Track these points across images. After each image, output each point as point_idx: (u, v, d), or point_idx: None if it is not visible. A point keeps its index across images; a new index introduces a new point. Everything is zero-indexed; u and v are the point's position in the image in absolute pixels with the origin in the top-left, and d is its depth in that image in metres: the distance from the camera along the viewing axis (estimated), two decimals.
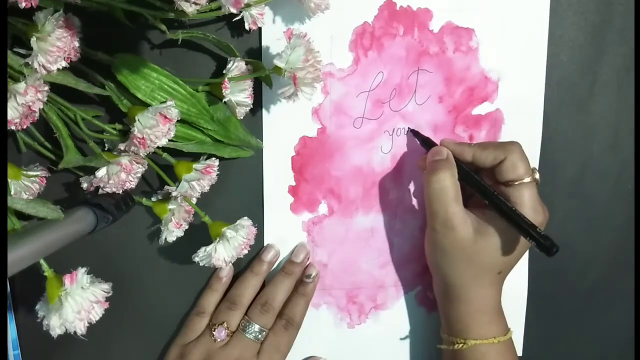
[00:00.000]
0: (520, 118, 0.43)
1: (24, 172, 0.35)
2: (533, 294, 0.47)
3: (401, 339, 0.46)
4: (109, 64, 0.35)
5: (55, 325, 0.30)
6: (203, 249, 0.36)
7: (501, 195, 0.37)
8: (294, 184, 0.42)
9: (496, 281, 0.40)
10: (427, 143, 0.41)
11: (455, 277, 0.39)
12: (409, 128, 0.42)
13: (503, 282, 0.40)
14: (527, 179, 0.37)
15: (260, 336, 0.40)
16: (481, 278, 0.39)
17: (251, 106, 0.38)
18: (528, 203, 0.37)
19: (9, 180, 0.34)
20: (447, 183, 0.38)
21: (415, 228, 0.44)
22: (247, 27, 0.35)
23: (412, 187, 0.44)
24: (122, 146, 0.33)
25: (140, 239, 0.42)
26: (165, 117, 0.32)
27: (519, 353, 0.47)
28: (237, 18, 0.34)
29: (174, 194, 0.36)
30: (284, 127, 0.41)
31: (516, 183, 0.37)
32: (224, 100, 0.36)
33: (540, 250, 0.35)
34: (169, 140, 0.34)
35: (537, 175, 0.38)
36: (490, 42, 0.42)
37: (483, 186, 0.38)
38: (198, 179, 0.36)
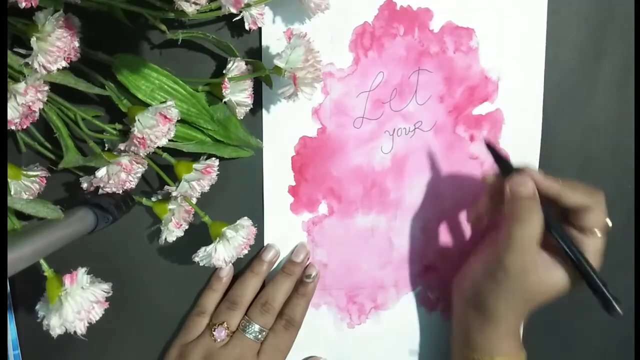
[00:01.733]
0: (520, 118, 0.43)
1: (24, 172, 0.35)
2: None
3: (401, 339, 0.46)
4: (109, 64, 0.35)
5: (55, 325, 0.30)
6: (203, 249, 0.36)
7: (571, 238, 0.36)
8: (294, 184, 0.42)
9: (531, 310, 0.39)
10: (504, 164, 0.38)
11: (499, 305, 0.37)
12: (484, 139, 0.39)
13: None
14: (603, 232, 0.36)
15: (260, 336, 0.40)
16: (524, 308, 0.38)
17: (251, 106, 0.38)
18: (596, 257, 0.36)
19: (9, 180, 0.34)
20: (538, 230, 0.35)
21: (416, 228, 0.44)
22: (247, 27, 0.35)
23: (412, 187, 0.44)
24: (122, 146, 0.33)
25: (140, 239, 0.42)
26: (165, 117, 0.32)
27: None
28: (237, 18, 0.34)
29: (174, 194, 0.36)
30: (284, 127, 0.41)
31: (591, 234, 0.36)
32: (224, 100, 0.36)
33: (606, 310, 0.35)
34: (169, 140, 0.34)
35: (609, 226, 0.37)
36: (490, 42, 0.42)
37: (563, 235, 0.36)
38: (198, 179, 0.36)
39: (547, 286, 0.37)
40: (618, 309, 0.34)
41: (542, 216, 0.36)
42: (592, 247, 0.36)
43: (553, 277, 0.37)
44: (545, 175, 0.37)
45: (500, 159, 0.38)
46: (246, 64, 0.37)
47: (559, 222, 0.37)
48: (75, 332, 0.30)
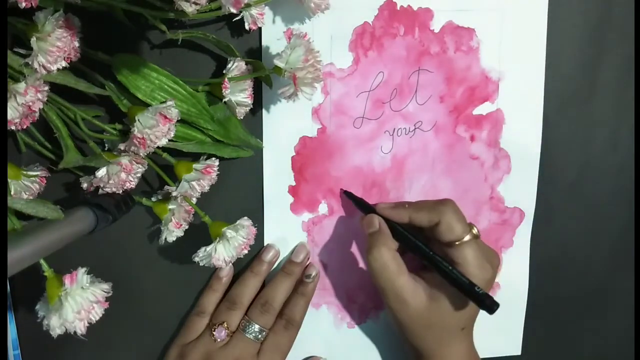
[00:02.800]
0: (520, 118, 0.43)
1: (24, 172, 0.35)
2: (533, 294, 0.47)
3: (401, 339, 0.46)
4: (109, 64, 0.35)
5: (55, 325, 0.30)
6: (203, 249, 0.36)
7: (445, 256, 0.37)
8: (294, 184, 0.42)
9: (463, 337, 0.39)
10: (362, 206, 0.41)
11: (421, 344, 0.39)
12: (341, 190, 0.42)
13: (471, 334, 0.40)
14: (467, 238, 0.37)
15: (260, 336, 0.40)
16: (447, 339, 0.39)
17: (251, 106, 0.38)
18: (472, 261, 0.37)
19: (9, 180, 0.34)
20: (385, 259, 0.37)
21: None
22: (247, 27, 0.35)
23: (412, 187, 0.44)
24: (122, 146, 0.33)
25: (140, 239, 0.42)
26: (165, 117, 0.32)
27: (519, 353, 0.47)
28: (237, 18, 0.34)
29: (174, 194, 0.36)
30: (284, 127, 0.41)
31: (457, 243, 0.37)
32: (224, 100, 0.36)
33: (481, 308, 0.35)
34: (169, 140, 0.33)
35: (475, 231, 0.38)
36: (491, 42, 0.42)
37: (421, 249, 0.38)
38: (198, 179, 0.36)
39: (440, 307, 0.37)
40: (490, 303, 0.34)
41: (391, 244, 0.38)
42: (467, 256, 0.37)
43: (440, 298, 0.37)
44: (395, 205, 0.40)
45: (358, 202, 0.42)
46: (246, 64, 0.37)
47: (423, 246, 0.38)
48: (75, 332, 0.30)
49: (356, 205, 0.42)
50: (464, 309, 0.38)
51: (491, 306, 0.34)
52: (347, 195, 0.42)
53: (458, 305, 0.37)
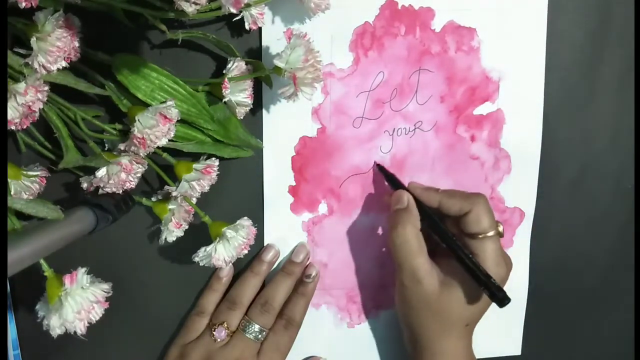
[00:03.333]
0: (521, 118, 0.43)
1: (24, 172, 0.35)
2: (533, 293, 0.47)
3: (401, 339, 0.46)
4: (109, 64, 0.35)
5: (55, 325, 0.30)
6: (203, 249, 0.36)
7: (465, 247, 0.38)
8: (294, 184, 0.42)
9: (464, 334, 0.39)
10: (393, 182, 0.41)
11: (423, 330, 0.39)
12: (375, 162, 0.42)
13: (472, 334, 0.40)
14: (491, 233, 0.37)
15: (260, 336, 0.40)
16: (449, 331, 0.39)
17: (251, 106, 0.38)
18: (491, 257, 0.37)
19: (9, 180, 0.34)
20: (409, 237, 0.38)
21: None
22: (247, 27, 0.35)
23: None
24: (122, 146, 0.33)
25: (140, 239, 0.42)
26: (165, 117, 0.32)
27: (519, 353, 0.47)
28: (237, 18, 0.34)
29: (174, 194, 0.36)
30: (284, 127, 0.41)
31: (480, 236, 0.37)
32: (224, 100, 0.36)
33: (493, 300, 0.35)
34: (169, 140, 0.33)
35: (500, 229, 0.39)
36: (491, 41, 0.42)
37: (445, 234, 0.38)
38: (198, 179, 0.36)
39: (451, 296, 0.38)
40: (503, 296, 0.35)
41: (417, 222, 0.39)
42: (487, 251, 0.37)
43: (452, 286, 0.38)
44: (426, 188, 0.41)
45: (389, 178, 0.42)
46: (246, 64, 0.37)
47: (448, 231, 0.38)
48: (75, 332, 0.30)
49: (387, 180, 0.42)
50: (473, 303, 0.38)
51: (502, 299, 0.35)
52: (379, 169, 0.42)
53: (468, 298, 0.38)
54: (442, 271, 0.39)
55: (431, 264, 0.38)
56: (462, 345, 0.40)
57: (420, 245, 0.38)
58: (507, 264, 0.39)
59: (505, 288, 0.41)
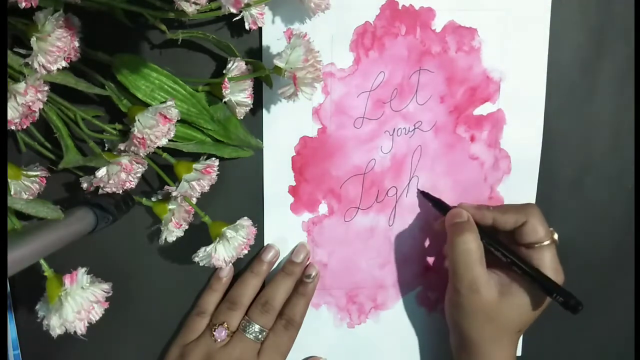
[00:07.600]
0: (521, 118, 0.43)
1: (24, 172, 0.35)
2: None
3: (401, 339, 0.46)
4: (109, 64, 0.35)
5: (55, 325, 0.30)
6: (203, 249, 0.36)
7: (522, 257, 0.39)
8: (294, 184, 0.42)
9: (514, 340, 0.40)
10: (441, 206, 0.42)
11: (475, 335, 0.39)
12: (418, 190, 0.43)
13: (519, 339, 0.41)
14: (547, 242, 0.38)
15: (260, 336, 0.40)
16: (501, 337, 0.39)
17: (251, 106, 0.38)
18: (549, 264, 0.38)
19: (9, 180, 0.34)
20: (473, 245, 0.38)
21: (415, 228, 0.44)
22: (247, 27, 0.35)
23: (411, 187, 0.44)
24: (122, 146, 0.33)
25: (140, 239, 0.42)
26: (165, 117, 0.32)
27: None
28: (237, 18, 0.34)
29: (174, 194, 0.36)
30: (284, 127, 0.41)
31: (536, 245, 0.38)
32: (224, 100, 0.36)
33: (566, 308, 0.36)
34: (169, 140, 0.33)
35: (555, 236, 0.39)
36: (492, 41, 0.42)
37: (506, 248, 0.39)
38: (198, 179, 0.36)
39: (508, 304, 0.38)
40: (575, 303, 0.36)
41: (477, 236, 0.39)
42: (545, 259, 0.38)
43: (510, 295, 0.38)
44: (478, 206, 0.41)
45: (436, 202, 0.43)
46: (246, 64, 0.37)
47: (507, 245, 0.40)
48: (75, 332, 0.30)
49: (434, 205, 0.43)
50: (532, 310, 0.39)
51: (576, 306, 0.36)
52: (424, 196, 0.43)
53: (527, 306, 0.39)
54: (500, 281, 0.39)
55: (489, 273, 0.39)
56: (511, 351, 0.40)
57: (481, 256, 0.39)
58: (562, 270, 0.39)
59: None
